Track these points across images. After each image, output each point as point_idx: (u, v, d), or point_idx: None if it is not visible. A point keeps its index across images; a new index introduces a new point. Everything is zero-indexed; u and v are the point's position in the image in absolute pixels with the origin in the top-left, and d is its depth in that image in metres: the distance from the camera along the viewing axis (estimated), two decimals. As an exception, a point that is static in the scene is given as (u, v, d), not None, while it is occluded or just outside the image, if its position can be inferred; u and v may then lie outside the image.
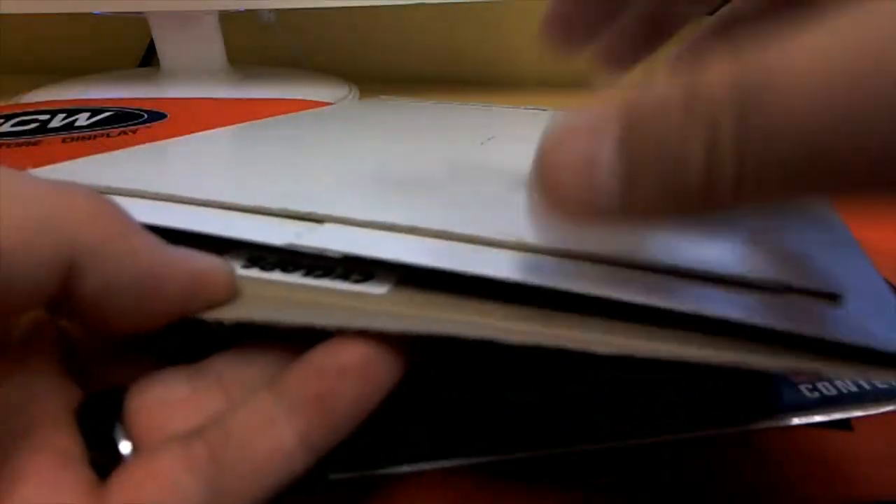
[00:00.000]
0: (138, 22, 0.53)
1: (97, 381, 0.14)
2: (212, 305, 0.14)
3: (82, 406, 0.14)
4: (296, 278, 0.16)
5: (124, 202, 0.14)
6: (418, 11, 0.63)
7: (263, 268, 0.16)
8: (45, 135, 0.39)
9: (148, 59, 0.63)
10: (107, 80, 0.55)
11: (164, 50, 0.53)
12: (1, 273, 0.11)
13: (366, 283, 0.16)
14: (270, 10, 0.58)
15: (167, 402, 0.14)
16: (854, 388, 0.21)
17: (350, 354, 0.13)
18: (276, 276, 0.16)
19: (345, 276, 0.16)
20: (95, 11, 0.49)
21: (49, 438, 0.13)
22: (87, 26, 0.65)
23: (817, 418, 0.19)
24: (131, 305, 0.13)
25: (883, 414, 0.20)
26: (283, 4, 0.51)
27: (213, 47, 0.53)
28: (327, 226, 0.17)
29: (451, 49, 0.65)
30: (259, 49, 0.64)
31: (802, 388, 0.20)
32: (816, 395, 0.20)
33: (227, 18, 0.53)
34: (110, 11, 0.50)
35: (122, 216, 0.13)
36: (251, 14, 0.57)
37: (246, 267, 0.16)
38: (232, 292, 0.15)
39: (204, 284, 0.14)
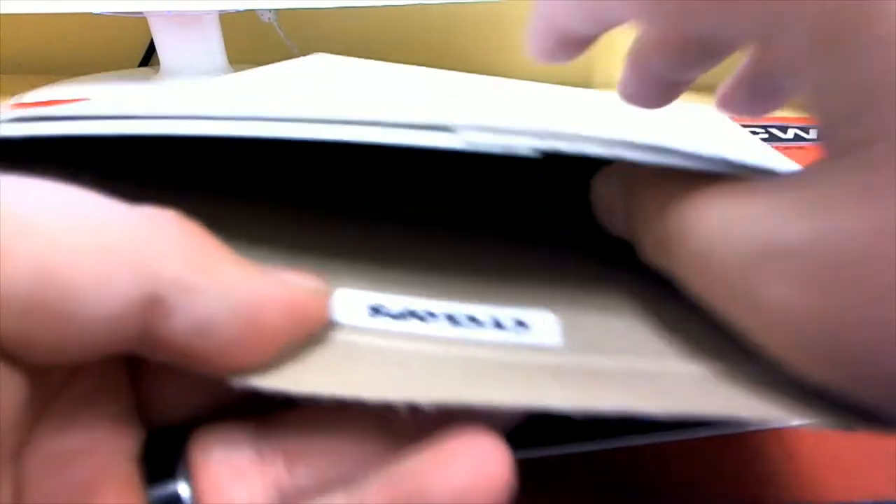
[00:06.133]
0: (138, 22, 0.53)
1: (157, 413, 0.13)
2: (312, 333, 0.13)
3: (145, 460, 0.13)
4: (439, 329, 0.13)
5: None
6: (418, 11, 0.63)
7: (394, 317, 0.14)
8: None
9: (148, 59, 0.63)
10: (107, 80, 0.55)
11: (164, 50, 0.53)
12: (75, 315, 0.10)
13: (529, 332, 0.13)
14: (270, 10, 0.58)
15: (231, 466, 0.13)
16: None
17: (465, 476, 0.11)
18: (414, 326, 0.13)
19: (498, 326, 0.14)
20: (95, 11, 0.49)
21: (110, 496, 0.12)
22: (87, 26, 0.65)
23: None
24: (228, 342, 0.11)
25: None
26: (283, 4, 0.51)
27: (213, 47, 0.53)
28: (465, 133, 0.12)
29: (451, 49, 0.65)
30: (259, 49, 0.64)
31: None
32: (816, 395, 0.20)
33: (227, 18, 0.53)
34: (110, 11, 0.50)
35: (212, 242, 0.12)
36: (251, 14, 0.57)
37: (372, 315, 0.14)
38: (327, 316, 0.13)
39: (305, 312, 0.12)
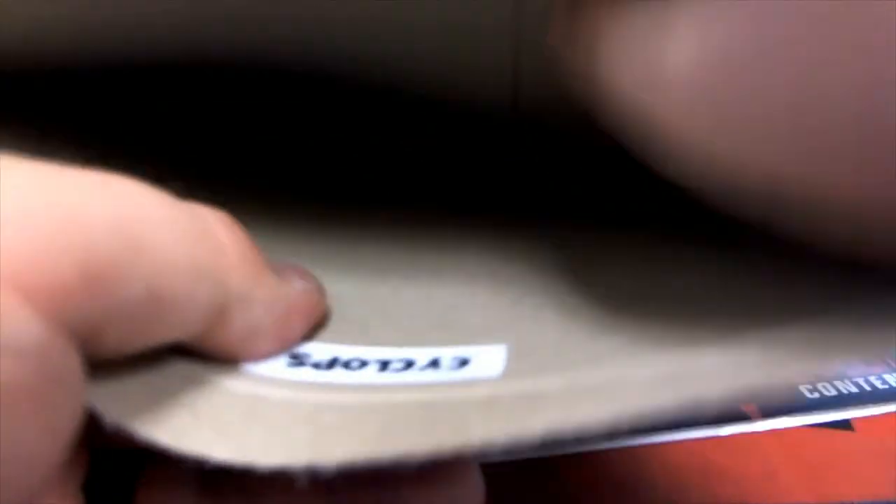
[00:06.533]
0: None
1: (106, 439, 0.13)
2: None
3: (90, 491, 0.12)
4: (367, 377, 0.12)
5: None
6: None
7: (316, 367, 0.12)
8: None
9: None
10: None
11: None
12: (164, 329, 0.10)
13: (468, 368, 0.12)
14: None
15: None
16: (854, 389, 0.21)
17: None
18: (339, 376, 0.12)
19: (434, 365, 0.12)
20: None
21: None
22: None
23: (817, 418, 0.19)
24: (268, 345, 0.12)
25: (883, 414, 0.20)
26: (283, 5, 0.51)
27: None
28: None
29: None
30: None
31: (803, 388, 0.21)
32: (816, 395, 0.20)
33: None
34: (110, 12, 0.50)
35: (254, 247, 0.12)
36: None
37: (293, 365, 0.12)
38: (326, 314, 0.14)
39: (317, 312, 0.13)
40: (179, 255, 0.10)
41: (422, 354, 0.13)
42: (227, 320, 0.11)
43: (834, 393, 0.20)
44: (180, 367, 0.11)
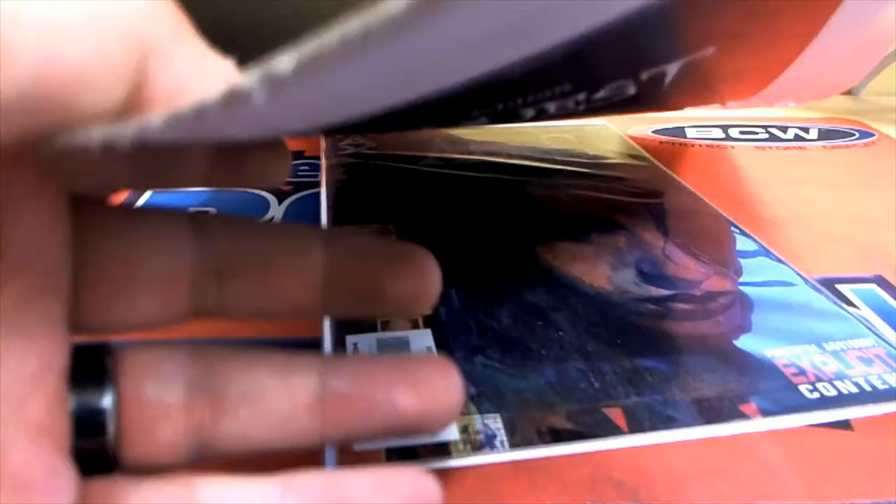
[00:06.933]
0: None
1: (92, 322, 0.13)
2: None
3: (74, 372, 0.12)
4: None
5: None
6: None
7: None
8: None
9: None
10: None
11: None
12: (77, 103, 0.08)
13: None
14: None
15: (160, 407, 0.13)
16: (854, 389, 0.21)
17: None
18: None
19: None
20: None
21: (38, 409, 0.11)
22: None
23: (817, 418, 0.19)
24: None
25: (883, 414, 0.20)
26: (284, 4, 0.51)
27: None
28: None
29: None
30: (259, 48, 0.64)
31: (802, 388, 0.21)
32: (816, 395, 0.20)
33: (227, 18, 0.53)
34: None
35: (177, 7, 0.10)
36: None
37: None
38: None
39: None
40: (71, 12, 0.08)
41: None
42: (150, 76, 0.09)
43: (834, 393, 0.20)
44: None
